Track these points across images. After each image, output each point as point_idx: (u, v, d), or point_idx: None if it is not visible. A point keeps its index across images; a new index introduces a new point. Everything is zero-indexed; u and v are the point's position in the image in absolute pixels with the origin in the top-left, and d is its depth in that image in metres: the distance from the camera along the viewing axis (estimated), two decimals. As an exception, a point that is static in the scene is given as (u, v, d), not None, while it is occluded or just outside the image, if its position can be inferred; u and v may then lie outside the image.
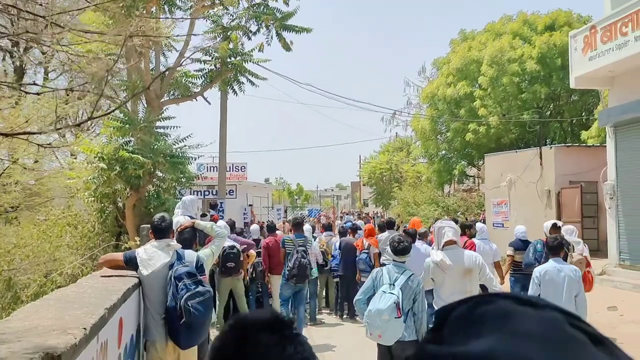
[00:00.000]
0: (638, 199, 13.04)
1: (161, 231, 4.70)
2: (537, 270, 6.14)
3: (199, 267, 4.66)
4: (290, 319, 1.02)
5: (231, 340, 0.96)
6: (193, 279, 4.40)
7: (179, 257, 4.58)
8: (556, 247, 6.14)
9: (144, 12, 12.53)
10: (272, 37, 15.30)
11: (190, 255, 4.75)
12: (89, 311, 2.71)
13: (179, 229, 5.31)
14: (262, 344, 0.94)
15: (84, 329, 2.34)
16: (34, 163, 10.74)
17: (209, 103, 15.04)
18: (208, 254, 5.12)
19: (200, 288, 4.38)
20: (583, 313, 5.76)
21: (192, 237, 5.26)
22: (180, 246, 4.80)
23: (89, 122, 17.83)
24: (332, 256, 11.17)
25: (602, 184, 14.43)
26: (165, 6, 13.74)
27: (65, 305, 2.85)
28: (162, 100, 14.08)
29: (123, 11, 11.36)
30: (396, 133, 41.25)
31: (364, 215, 30.11)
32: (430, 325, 0.60)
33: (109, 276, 4.29)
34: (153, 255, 4.52)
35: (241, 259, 9.28)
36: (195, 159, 13.88)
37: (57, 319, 2.47)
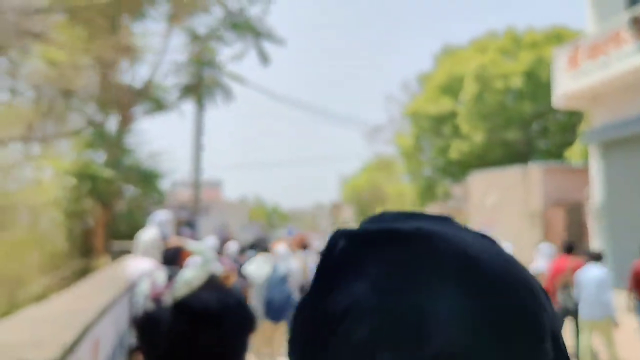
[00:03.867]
0: (623, 219, 12.87)
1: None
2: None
3: None
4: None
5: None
6: None
7: None
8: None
9: (119, 23, 12.09)
10: (248, 48, 14.97)
11: None
12: (65, 328, 2.67)
13: (165, 248, 5.07)
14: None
15: (60, 346, 2.22)
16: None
17: (184, 116, 14.59)
18: (194, 276, 4.80)
19: None
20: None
21: (177, 256, 4.98)
22: None
23: (54, 136, 17.23)
24: None
25: (587, 204, 14.28)
26: (139, 18, 13.31)
27: (37, 325, 2.75)
28: (135, 113, 13.59)
29: (96, 23, 10.94)
30: (378, 151, 41.12)
31: None
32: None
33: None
34: None
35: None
36: (168, 179, 13.42)
37: (32, 336, 2.36)
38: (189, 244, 5.24)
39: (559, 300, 7.26)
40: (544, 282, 7.74)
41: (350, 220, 40.98)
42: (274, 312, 7.90)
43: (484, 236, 0.50)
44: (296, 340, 0.49)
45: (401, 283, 0.43)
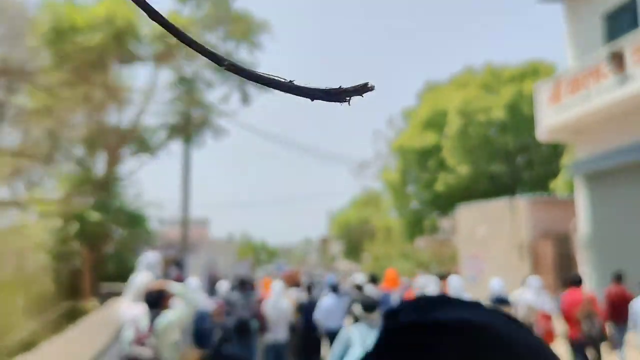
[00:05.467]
0: (610, 251, 12.92)
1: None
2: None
3: None
4: None
5: None
6: None
7: None
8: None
9: (106, 65, 12.15)
10: (234, 90, 15.07)
11: None
12: None
13: (148, 289, 4.98)
14: None
15: None
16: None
17: (171, 157, 14.57)
18: (177, 317, 4.76)
19: None
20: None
21: (161, 298, 4.88)
22: None
23: (41, 177, 17.10)
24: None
25: (575, 235, 14.34)
26: (127, 60, 13.38)
27: None
28: (122, 154, 13.55)
29: (84, 64, 11.00)
30: (365, 185, 41.20)
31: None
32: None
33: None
34: None
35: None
36: (156, 219, 13.32)
37: None
38: (172, 287, 5.20)
39: (583, 329, 7.46)
40: (533, 315, 7.91)
41: (339, 255, 40.75)
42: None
43: (521, 325, 0.54)
44: None
45: None
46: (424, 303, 0.56)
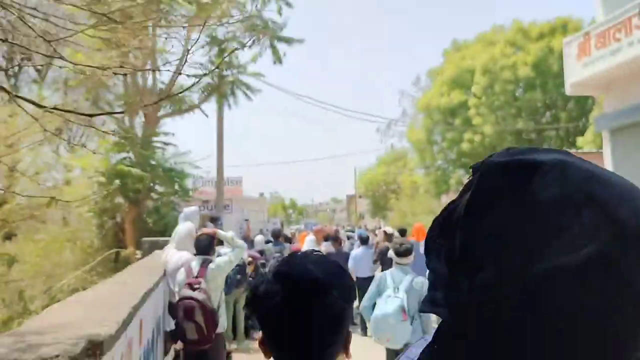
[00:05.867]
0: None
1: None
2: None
3: None
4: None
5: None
6: None
7: None
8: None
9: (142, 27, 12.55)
10: (265, 49, 15.33)
11: None
12: (115, 308, 2.69)
13: (198, 236, 5.28)
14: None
15: (117, 322, 2.31)
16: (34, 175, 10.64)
17: (207, 115, 15.04)
18: (226, 261, 5.05)
19: None
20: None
21: (209, 244, 5.21)
22: None
23: (84, 138, 17.78)
24: None
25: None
26: (162, 21, 13.73)
27: (90, 307, 2.80)
28: (159, 114, 14.07)
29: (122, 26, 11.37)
30: (391, 144, 41.30)
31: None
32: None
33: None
34: None
35: (247, 271, 9.20)
36: (192, 177, 13.86)
37: (88, 316, 2.43)
38: (220, 233, 5.52)
39: None
40: None
41: (366, 213, 41.16)
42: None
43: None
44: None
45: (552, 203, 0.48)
46: (513, 150, 0.56)
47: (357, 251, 10.76)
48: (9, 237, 11.63)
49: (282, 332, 1.20)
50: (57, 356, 1.62)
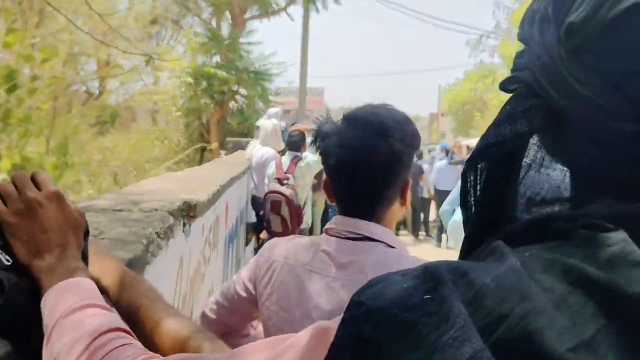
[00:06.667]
0: None
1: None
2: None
3: None
4: None
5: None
6: None
7: None
8: None
9: None
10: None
11: None
12: (205, 184, 2.85)
13: (291, 131, 5.43)
14: None
15: (207, 193, 2.44)
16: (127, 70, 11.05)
17: (292, 19, 14.83)
18: (315, 161, 5.08)
19: None
20: None
21: (301, 141, 5.31)
22: None
23: (172, 41, 18.17)
24: None
25: None
26: None
27: (182, 181, 2.98)
28: (246, 16, 14.04)
29: None
30: (480, 60, 39.45)
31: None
32: None
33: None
34: None
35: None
36: (276, 77, 13.91)
37: (182, 187, 2.58)
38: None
39: None
40: None
41: (448, 132, 40.35)
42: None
43: None
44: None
45: None
46: None
47: (441, 163, 10.68)
48: (103, 130, 12.33)
49: (343, 174, 1.21)
50: (156, 210, 1.76)
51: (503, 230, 0.48)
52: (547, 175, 0.54)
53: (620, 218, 0.41)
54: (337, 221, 1.22)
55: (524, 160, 0.54)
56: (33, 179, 0.77)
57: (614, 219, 0.41)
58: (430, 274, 0.41)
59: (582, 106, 0.44)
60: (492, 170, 0.52)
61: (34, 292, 0.71)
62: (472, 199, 0.54)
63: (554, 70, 0.46)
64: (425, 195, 10.78)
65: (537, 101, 0.49)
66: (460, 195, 0.54)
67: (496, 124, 0.51)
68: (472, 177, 0.54)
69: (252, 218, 6.23)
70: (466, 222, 0.54)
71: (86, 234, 0.80)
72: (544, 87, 0.47)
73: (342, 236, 1.19)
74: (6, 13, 4.50)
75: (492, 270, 0.40)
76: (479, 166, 0.53)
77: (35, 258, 0.72)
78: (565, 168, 0.52)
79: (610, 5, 0.41)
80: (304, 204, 5.19)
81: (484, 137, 0.52)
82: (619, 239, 0.39)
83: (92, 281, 0.74)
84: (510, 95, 0.52)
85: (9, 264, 0.71)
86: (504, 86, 0.53)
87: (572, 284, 0.38)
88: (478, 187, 0.53)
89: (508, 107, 0.52)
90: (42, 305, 0.69)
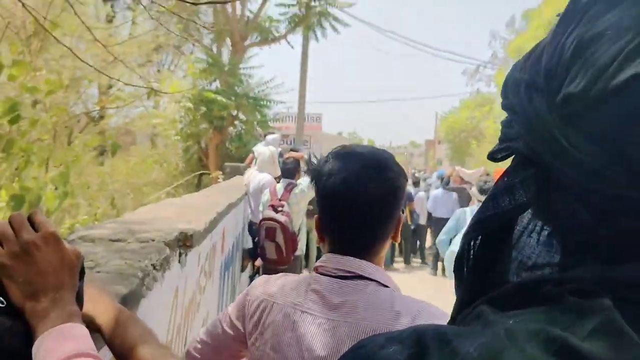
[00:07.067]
0: None
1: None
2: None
3: None
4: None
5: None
6: None
7: None
8: None
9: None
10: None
11: None
12: (203, 212, 2.86)
13: (285, 159, 5.43)
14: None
15: (204, 222, 2.45)
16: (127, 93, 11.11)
17: (292, 47, 15.03)
18: (310, 187, 5.07)
19: None
20: None
21: (295, 168, 5.33)
22: None
23: (172, 66, 18.32)
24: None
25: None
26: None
27: (180, 208, 2.98)
28: (246, 43, 14.22)
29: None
30: (477, 89, 39.82)
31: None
32: None
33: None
34: None
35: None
36: (275, 104, 14.01)
37: (179, 214, 2.59)
38: (306, 158, 5.58)
39: None
40: None
41: (444, 158, 40.51)
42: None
43: None
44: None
45: None
46: None
47: (437, 192, 10.75)
48: (102, 153, 12.34)
49: (339, 208, 1.20)
50: (152, 240, 1.77)
51: (494, 291, 0.49)
52: (539, 240, 0.54)
53: (607, 283, 0.42)
54: (327, 259, 1.22)
55: (516, 227, 0.54)
56: (30, 220, 0.78)
57: (600, 284, 0.42)
58: (415, 340, 0.42)
59: (576, 169, 0.45)
60: (487, 238, 0.53)
61: (28, 335, 0.71)
62: (466, 265, 0.54)
63: (547, 135, 0.46)
64: (422, 222, 10.81)
65: (533, 171, 0.50)
66: (455, 261, 0.55)
67: (493, 197, 0.52)
68: (467, 245, 0.54)
69: (249, 244, 6.23)
70: (459, 285, 0.55)
71: (82, 274, 0.81)
72: (537, 151, 0.48)
73: (333, 274, 1.18)
74: (12, 47, 4.53)
75: (477, 337, 0.41)
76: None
77: (29, 301, 0.72)
78: (555, 231, 0.52)
79: (611, 75, 0.41)
80: (299, 230, 5.18)
81: (480, 211, 0.53)
82: (603, 306, 0.40)
83: (86, 327, 0.74)
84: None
85: (2, 306, 0.71)
86: (492, 156, 0.54)
87: (555, 355, 0.38)
88: (472, 252, 0.54)
89: (506, 179, 0.53)
90: (34, 350, 0.69)
